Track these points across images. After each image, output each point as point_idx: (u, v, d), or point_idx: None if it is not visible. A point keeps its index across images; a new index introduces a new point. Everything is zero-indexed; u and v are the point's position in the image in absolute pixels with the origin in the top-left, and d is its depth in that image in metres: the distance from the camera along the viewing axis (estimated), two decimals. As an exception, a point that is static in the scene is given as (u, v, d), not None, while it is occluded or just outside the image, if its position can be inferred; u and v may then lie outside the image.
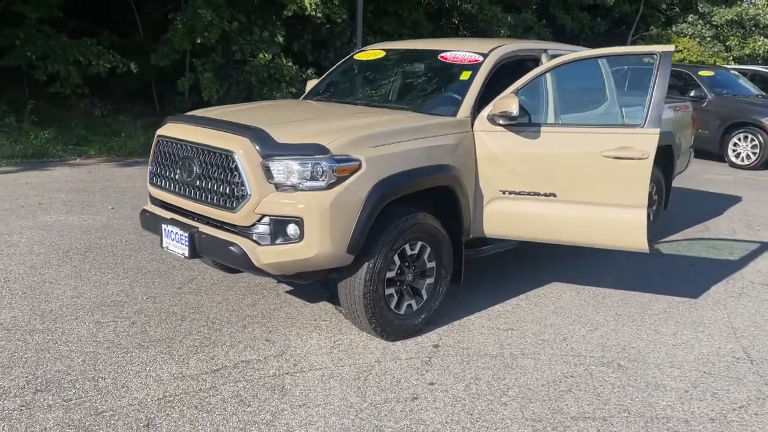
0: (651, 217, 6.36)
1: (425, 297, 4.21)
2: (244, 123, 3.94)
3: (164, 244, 4.08)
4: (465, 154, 4.30)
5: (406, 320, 4.10)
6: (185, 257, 3.90)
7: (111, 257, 5.35)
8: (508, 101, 4.17)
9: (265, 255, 3.63)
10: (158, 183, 4.25)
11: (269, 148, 3.62)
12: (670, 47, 4.21)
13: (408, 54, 5.27)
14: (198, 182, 3.91)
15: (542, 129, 4.30)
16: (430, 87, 4.89)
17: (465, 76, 4.61)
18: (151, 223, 4.28)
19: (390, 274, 3.94)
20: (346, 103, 5.01)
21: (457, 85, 4.61)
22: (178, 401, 3.28)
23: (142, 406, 3.21)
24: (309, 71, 13.66)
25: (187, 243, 3.86)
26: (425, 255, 4.15)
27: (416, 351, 3.95)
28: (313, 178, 3.57)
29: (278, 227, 3.61)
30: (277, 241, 3.62)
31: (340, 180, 3.59)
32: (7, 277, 4.83)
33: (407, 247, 4.02)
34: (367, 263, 3.78)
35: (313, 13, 12.43)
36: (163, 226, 4.06)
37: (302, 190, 3.58)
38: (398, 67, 5.24)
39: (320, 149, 3.60)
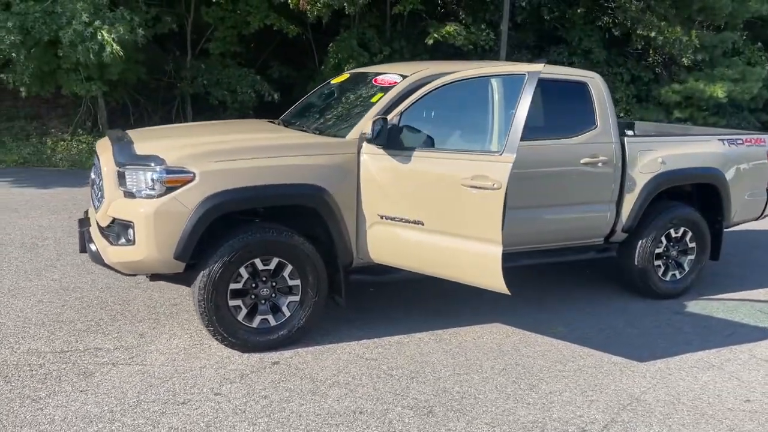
0: (686, 267, 5.50)
1: (287, 314, 4.23)
2: (125, 137, 4.39)
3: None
4: (344, 175, 4.24)
5: (259, 334, 4.17)
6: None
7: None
8: (367, 123, 4.07)
9: (113, 254, 4.02)
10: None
11: (124, 158, 4.02)
12: (539, 67, 3.76)
13: (358, 77, 5.30)
14: (95, 186, 4.46)
15: (414, 153, 4.10)
16: (348, 109, 4.87)
17: (376, 98, 4.55)
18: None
19: (236, 286, 4.06)
20: (286, 124, 5.17)
21: (364, 107, 4.57)
22: (12, 368, 3.77)
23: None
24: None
25: (78, 240, 4.41)
26: (285, 272, 4.18)
27: (250, 364, 4.01)
28: (147, 187, 3.88)
29: (120, 230, 3.98)
30: (120, 242, 3.99)
31: (169, 190, 3.85)
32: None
33: (258, 261, 4.10)
34: (202, 272, 3.96)
35: (459, 40, 12.55)
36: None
37: (139, 197, 3.91)
38: (344, 90, 5.30)
39: (157, 160, 3.90)
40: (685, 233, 5.53)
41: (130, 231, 3.91)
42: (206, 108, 14.00)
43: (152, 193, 3.86)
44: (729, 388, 3.95)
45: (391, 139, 4.15)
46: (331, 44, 13.27)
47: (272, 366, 4.00)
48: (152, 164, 3.89)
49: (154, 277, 4.21)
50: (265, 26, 13.23)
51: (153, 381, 3.72)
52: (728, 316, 5.22)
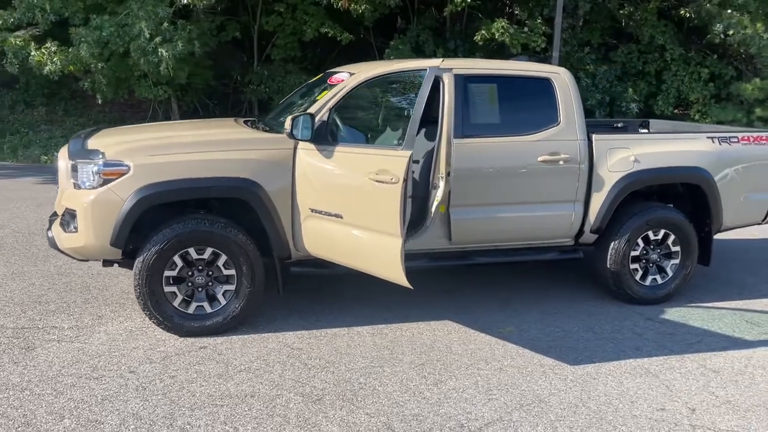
0: (669, 272, 5.26)
1: (222, 302, 4.45)
2: (88, 134, 4.76)
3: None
4: (280, 169, 4.40)
5: (195, 320, 4.41)
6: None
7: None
8: (288, 119, 4.21)
9: (64, 240, 4.40)
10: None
11: (75, 152, 4.40)
12: (437, 62, 3.77)
13: (326, 76, 5.44)
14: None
15: (336, 149, 4.21)
16: (300, 106, 5.01)
17: (321, 95, 4.69)
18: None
19: (170, 273, 4.33)
20: (248, 123, 5.33)
21: (310, 104, 4.71)
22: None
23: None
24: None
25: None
26: (220, 262, 4.40)
27: (179, 347, 4.25)
28: (89, 179, 4.23)
29: (69, 218, 4.35)
30: (70, 230, 4.36)
31: (106, 182, 4.18)
32: None
33: (192, 251, 4.34)
34: (138, 258, 4.26)
35: (505, 40, 12.39)
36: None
37: (83, 188, 4.26)
38: (311, 88, 5.45)
39: (97, 154, 4.24)
40: (666, 236, 5.25)
41: (74, 219, 4.26)
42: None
43: (92, 184, 4.19)
44: (650, 396, 3.76)
45: (319, 134, 4.27)
46: (387, 49, 13.46)
47: (198, 350, 4.21)
48: (93, 158, 4.21)
49: (105, 263, 4.54)
50: (319, 33, 13.62)
51: (82, 357, 4.04)
52: (705, 324, 4.91)
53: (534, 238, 5.07)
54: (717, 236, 6.60)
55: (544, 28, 13.16)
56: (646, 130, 6.66)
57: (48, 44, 11.30)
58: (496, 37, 12.33)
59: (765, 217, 5.58)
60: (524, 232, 5.01)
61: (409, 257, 4.60)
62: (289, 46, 14.41)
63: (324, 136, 4.29)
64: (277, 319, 4.71)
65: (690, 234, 5.25)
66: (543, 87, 4.99)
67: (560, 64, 13.38)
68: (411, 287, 3.85)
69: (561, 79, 5.01)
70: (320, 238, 4.32)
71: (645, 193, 5.48)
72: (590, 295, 5.43)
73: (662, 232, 5.24)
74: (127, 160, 4.20)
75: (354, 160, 4.07)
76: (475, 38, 12.64)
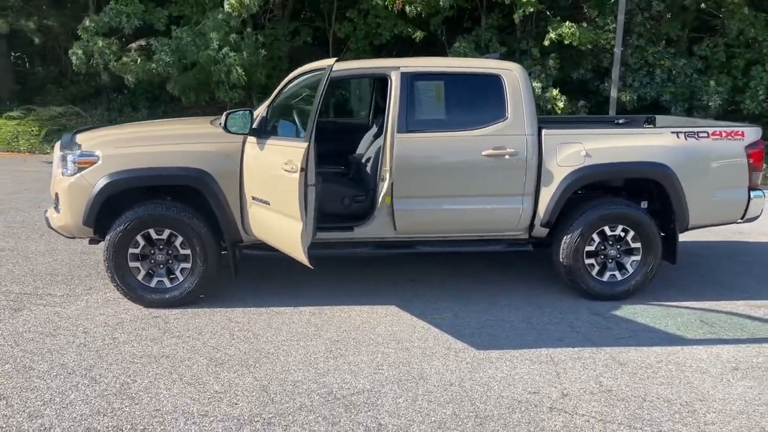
0: (630, 269, 5.28)
1: (180, 278, 5.03)
2: (83, 130, 5.52)
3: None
4: (229, 161, 4.91)
5: (155, 293, 5.02)
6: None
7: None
8: (224, 114, 4.71)
9: (55, 220, 5.17)
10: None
11: (64, 144, 5.15)
12: (331, 61, 4.12)
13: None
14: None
15: (267, 141, 4.66)
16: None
17: (275, 92, 5.16)
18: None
19: (134, 250, 4.97)
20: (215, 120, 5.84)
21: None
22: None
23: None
24: (580, 103, 13.39)
25: (48, 211, 5.62)
26: (177, 242, 4.99)
27: (137, 315, 4.86)
28: (69, 167, 4.96)
29: (57, 201, 5.12)
30: (57, 211, 5.13)
31: (80, 170, 4.88)
32: None
33: (153, 231, 4.96)
34: (107, 236, 4.93)
35: (573, 42, 12.27)
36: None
37: (66, 175, 5.00)
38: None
39: (76, 146, 4.96)
40: (625, 232, 5.22)
41: (59, 201, 5.00)
42: (346, 113, 15.24)
43: (70, 171, 4.90)
44: (532, 381, 3.88)
45: (260, 128, 4.73)
46: (449, 51, 13.70)
47: (151, 318, 4.81)
48: (73, 149, 4.93)
49: (91, 241, 5.24)
50: (394, 35, 14.08)
51: (53, 318, 4.75)
52: (651, 321, 4.87)
53: (482, 230, 5.23)
54: (711, 235, 6.43)
55: (613, 25, 12.83)
56: (651, 126, 6.53)
57: (131, 53, 12.55)
58: (565, 38, 12.18)
59: (744, 215, 5.35)
60: (471, 224, 5.19)
61: (356, 244, 4.99)
62: (362, 48, 14.99)
63: (264, 130, 4.73)
64: (234, 297, 5.21)
65: (651, 231, 5.19)
66: (492, 83, 5.14)
67: (633, 59, 13.02)
68: (312, 267, 4.20)
69: (511, 75, 5.14)
70: (258, 222, 4.77)
71: (612, 189, 5.46)
72: (554, 289, 5.48)
73: (620, 228, 5.20)
74: (98, 151, 4.86)
75: (275, 152, 4.49)
76: (544, 41, 12.55)
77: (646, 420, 3.45)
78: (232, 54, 11.89)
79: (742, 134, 5.24)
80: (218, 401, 3.58)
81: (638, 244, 5.23)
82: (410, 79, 5.07)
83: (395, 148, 4.95)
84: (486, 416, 3.46)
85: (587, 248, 5.21)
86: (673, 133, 5.21)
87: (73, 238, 5.25)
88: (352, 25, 14.61)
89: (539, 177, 5.11)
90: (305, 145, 4.08)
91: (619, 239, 5.25)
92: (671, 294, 5.43)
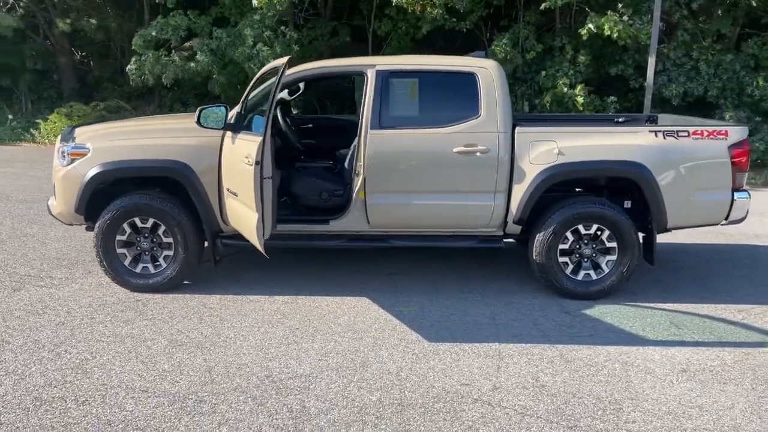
0: (605, 268, 5.28)
1: (163, 265, 5.33)
2: (83, 124, 5.89)
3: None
4: (209, 154, 5.15)
5: (140, 278, 5.33)
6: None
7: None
8: (198, 110, 4.96)
9: (53, 207, 5.56)
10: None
11: (63, 137, 5.53)
12: (283, 60, 4.30)
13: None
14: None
15: (237, 136, 4.88)
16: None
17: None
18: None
19: (121, 237, 5.29)
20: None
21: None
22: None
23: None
24: (609, 99, 13.15)
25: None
26: (160, 231, 5.28)
27: (121, 299, 5.17)
28: (64, 158, 5.33)
29: (54, 189, 5.50)
30: (55, 199, 5.51)
31: (73, 161, 5.25)
32: None
33: (137, 220, 5.27)
34: (97, 224, 5.28)
35: (613, 35, 12.04)
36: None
37: (62, 166, 5.38)
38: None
39: (72, 139, 5.33)
40: (600, 231, 5.20)
41: (55, 190, 5.37)
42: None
43: (65, 162, 5.26)
44: (469, 373, 3.95)
45: (236, 123, 4.97)
46: (487, 49, 13.67)
47: (133, 302, 5.11)
48: (69, 141, 5.29)
49: (87, 228, 5.60)
50: (434, 28, 14.11)
51: (45, 299, 5.11)
52: (618, 322, 4.84)
53: (454, 226, 5.30)
54: (723, 237, 6.30)
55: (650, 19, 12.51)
56: (653, 125, 6.42)
57: (168, 54, 13.11)
58: (605, 31, 11.97)
59: (727, 217, 5.23)
60: (443, 219, 5.27)
61: (331, 236, 5.16)
62: (403, 45, 15.12)
63: (239, 125, 4.96)
64: (217, 285, 5.46)
65: (627, 230, 5.14)
66: (467, 81, 5.20)
67: (676, 53, 12.67)
68: (267, 256, 4.40)
69: (486, 73, 5.19)
70: (231, 213, 5.01)
71: (595, 188, 5.44)
72: (531, 287, 5.51)
73: (595, 226, 5.18)
74: (89, 143, 5.20)
75: (240, 146, 4.70)
76: (580, 32, 12.37)
77: (565, 415, 3.48)
78: (265, 49, 12.25)
79: (726, 133, 5.11)
80: (162, 379, 3.81)
81: (614, 244, 5.19)
82: (385, 77, 5.18)
83: (368, 145, 5.08)
84: (408, 404, 3.57)
85: (561, 246, 5.20)
86: (651, 132, 5.14)
87: (71, 225, 5.61)
88: (392, 22, 14.74)
89: (512, 174, 5.13)
90: (259, 139, 4.26)
91: (594, 238, 5.22)
92: (653, 295, 5.36)
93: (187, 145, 5.14)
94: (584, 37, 12.50)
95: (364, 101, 5.15)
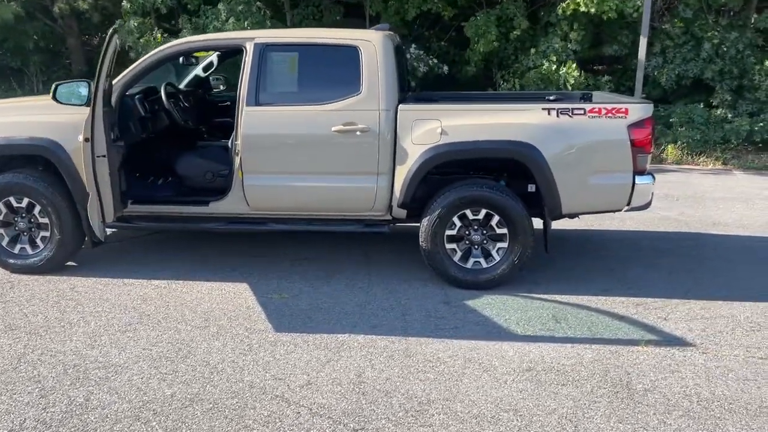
0: (496, 256, 4.95)
1: (41, 246, 5.18)
2: None
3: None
4: (78, 131, 4.96)
5: (19, 258, 5.19)
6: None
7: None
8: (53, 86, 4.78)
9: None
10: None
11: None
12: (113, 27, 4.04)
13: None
14: None
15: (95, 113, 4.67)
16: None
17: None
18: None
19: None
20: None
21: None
22: None
23: None
24: (604, 78, 12.54)
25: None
26: (36, 210, 5.14)
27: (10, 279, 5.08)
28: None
29: None
30: None
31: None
32: None
33: (12, 199, 5.13)
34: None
35: (590, 10, 11.46)
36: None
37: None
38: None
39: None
40: (489, 216, 4.84)
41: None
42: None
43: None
44: (296, 365, 3.70)
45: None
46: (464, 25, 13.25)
47: (5, 283, 5.00)
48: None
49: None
50: (422, 11, 13.75)
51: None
52: (496, 315, 4.49)
53: (337, 209, 5.02)
54: (657, 225, 5.93)
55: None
56: (587, 103, 5.98)
57: (153, 32, 13.01)
58: (581, 7, 11.38)
59: (629, 203, 4.80)
60: (325, 202, 4.99)
61: (210, 219, 4.95)
62: (395, 25, 14.72)
63: (107, 103, 4.74)
64: (101, 268, 5.25)
65: (518, 216, 4.76)
66: (349, 56, 4.89)
67: (676, 30, 11.97)
68: (103, 241, 4.22)
69: (369, 47, 4.86)
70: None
71: (495, 170, 5.07)
72: (425, 275, 5.16)
73: (483, 212, 4.82)
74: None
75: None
76: (558, 11, 11.79)
77: (360, 416, 3.20)
78: (233, 23, 12.03)
79: (626, 112, 4.66)
80: (-34, 364, 3.66)
81: (504, 230, 4.81)
82: (263, 51, 4.91)
83: (243, 123, 4.84)
84: (200, 400, 3.35)
85: (448, 232, 4.86)
86: (544, 109, 4.73)
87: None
88: (383, 3, 14.38)
89: (394, 155, 4.80)
90: (86, 110, 4.04)
91: (484, 224, 4.85)
92: (555, 286, 4.96)
93: (56, 122, 4.96)
94: (567, 13, 11.86)
95: (242, 77, 4.88)
